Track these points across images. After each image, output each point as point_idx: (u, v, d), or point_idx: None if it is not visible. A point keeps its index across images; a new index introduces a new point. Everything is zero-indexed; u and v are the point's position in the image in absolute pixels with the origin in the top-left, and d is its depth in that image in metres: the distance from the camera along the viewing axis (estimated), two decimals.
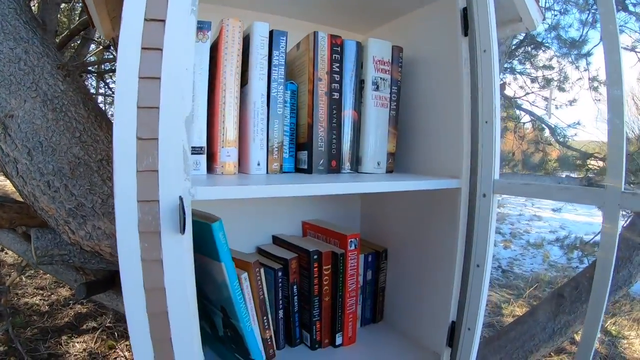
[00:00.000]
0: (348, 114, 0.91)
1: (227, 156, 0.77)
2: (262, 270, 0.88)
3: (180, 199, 0.50)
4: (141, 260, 0.51)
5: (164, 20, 0.52)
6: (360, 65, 0.92)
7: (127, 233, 0.50)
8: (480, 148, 0.84)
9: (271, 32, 0.81)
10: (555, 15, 4.08)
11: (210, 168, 0.80)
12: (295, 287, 0.96)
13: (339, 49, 0.88)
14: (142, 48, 0.51)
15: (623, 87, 0.64)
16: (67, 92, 1.30)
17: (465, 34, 0.85)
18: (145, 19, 0.52)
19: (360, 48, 0.91)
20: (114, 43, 1.40)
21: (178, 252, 0.53)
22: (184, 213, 0.50)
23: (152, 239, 0.51)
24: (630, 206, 0.63)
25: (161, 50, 0.51)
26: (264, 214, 1.11)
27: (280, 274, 0.94)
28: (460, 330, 0.88)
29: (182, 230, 0.50)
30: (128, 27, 0.51)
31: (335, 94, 0.88)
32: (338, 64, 0.88)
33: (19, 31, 1.28)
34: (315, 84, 0.85)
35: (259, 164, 0.80)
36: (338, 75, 0.88)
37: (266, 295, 0.90)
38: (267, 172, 0.82)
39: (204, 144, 0.76)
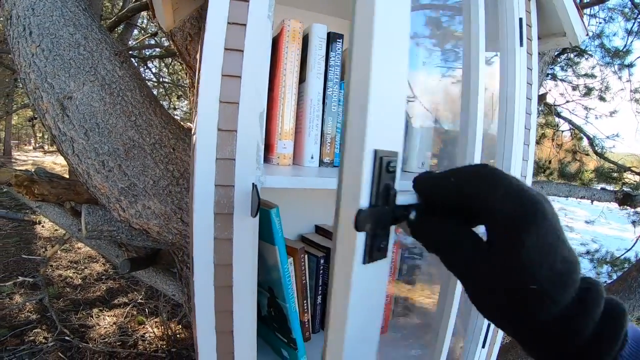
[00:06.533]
0: None
1: (284, 148, 0.83)
2: (306, 256, 0.94)
3: (254, 185, 0.56)
4: (214, 239, 0.57)
5: (245, 25, 0.58)
6: None
7: (203, 213, 0.56)
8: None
9: (329, 34, 0.86)
10: (600, 23, 3.99)
11: (266, 158, 0.85)
12: None
13: None
14: (225, 49, 0.57)
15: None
16: (124, 77, 1.37)
17: (521, 44, 0.88)
18: (229, 23, 0.57)
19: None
20: (170, 34, 1.46)
21: (247, 233, 0.59)
22: (259, 198, 0.55)
23: (225, 219, 0.57)
24: None
25: (242, 51, 0.57)
26: (309, 204, 1.17)
27: (322, 261, 0.99)
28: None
29: (255, 213, 0.56)
30: (213, 29, 0.57)
31: None
32: None
33: (78, 17, 1.35)
34: None
35: (312, 157, 0.85)
36: None
37: (308, 280, 0.95)
38: (319, 165, 0.88)
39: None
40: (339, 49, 0.87)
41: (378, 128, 0.33)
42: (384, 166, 0.34)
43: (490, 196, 0.34)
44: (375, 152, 0.34)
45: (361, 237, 0.34)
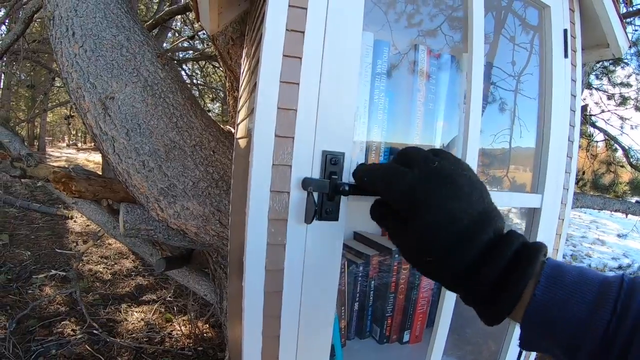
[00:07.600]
0: (440, 124, 0.94)
1: None
2: (346, 263, 0.94)
3: (309, 192, 0.57)
4: (267, 244, 0.58)
5: (303, 32, 0.58)
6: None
7: (257, 219, 0.57)
8: None
9: (375, 42, 0.86)
10: (636, 31, 3.89)
11: None
12: (373, 282, 1.02)
13: (436, 62, 0.92)
14: (284, 55, 0.57)
15: None
16: (166, 79, 1.40)
17: (566, 56, 0.87)
18: (287, 30, 0.58)
19: (456, 62, 0.95)
20: (212, 37, 1.48)
21: (300, 239, 0.59)
22: (315, 205, 0.56)
23: (279, 225, 0.58)
24: None
25: (300, 58, 0.58)
26: (348, 211, 1.16)
27: (361, 268, 0.99)
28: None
29: (310, 220, 0.56)
30: (271, 35, 0.57)
31: (431, 104, 0.92)
32: (434, 77, 0.92)
33: (120, 19, 1.38)
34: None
35: (358, 163, 0.86)
36: (434, 87, 0.92)
37: (347, 287, 0.95)
38: None
39: None
40: (385, 56, 0.87)
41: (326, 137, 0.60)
42: (328, 160, 0.60)
43: (391, 194, 0.49)
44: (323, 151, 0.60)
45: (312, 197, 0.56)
